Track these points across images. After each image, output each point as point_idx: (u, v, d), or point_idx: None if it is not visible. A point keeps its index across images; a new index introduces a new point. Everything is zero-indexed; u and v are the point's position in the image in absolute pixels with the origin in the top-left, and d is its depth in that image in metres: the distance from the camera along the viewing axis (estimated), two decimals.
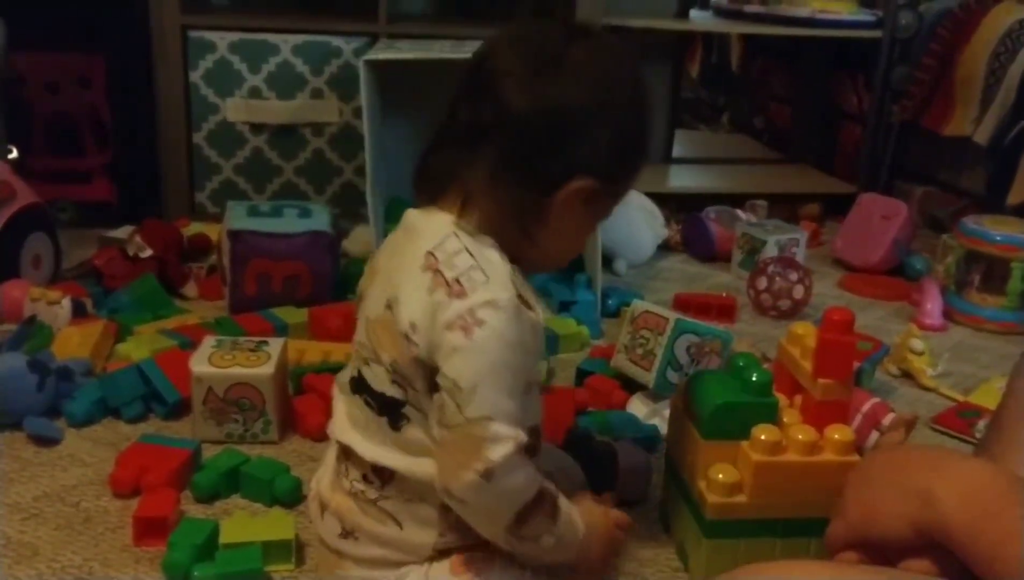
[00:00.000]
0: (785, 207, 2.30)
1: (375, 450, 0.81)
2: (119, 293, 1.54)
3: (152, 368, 1.24)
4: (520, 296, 0.76)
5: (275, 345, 1.22)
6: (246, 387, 1.16)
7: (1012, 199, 2.01)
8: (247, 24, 1.95)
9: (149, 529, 0.97)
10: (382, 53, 1.62)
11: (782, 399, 0.97)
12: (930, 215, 2.35)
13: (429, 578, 0.81)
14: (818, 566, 0.72)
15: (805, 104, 2.84)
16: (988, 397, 1.36)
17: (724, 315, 1.68)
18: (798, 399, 0.98)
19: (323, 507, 0.86)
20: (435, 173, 0.81)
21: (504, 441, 0.72)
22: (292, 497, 1.06)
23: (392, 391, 0.79)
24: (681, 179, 2.51)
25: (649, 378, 1.28)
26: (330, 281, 1.58)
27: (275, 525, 0.98)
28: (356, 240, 1.82)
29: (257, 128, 1.96)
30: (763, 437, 0.90)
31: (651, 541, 1.04)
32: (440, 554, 0.82)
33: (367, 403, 0.81)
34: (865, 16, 2.41)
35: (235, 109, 1.93)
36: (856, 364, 1.27)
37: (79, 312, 1.44)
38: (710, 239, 2.04)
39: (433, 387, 0.75)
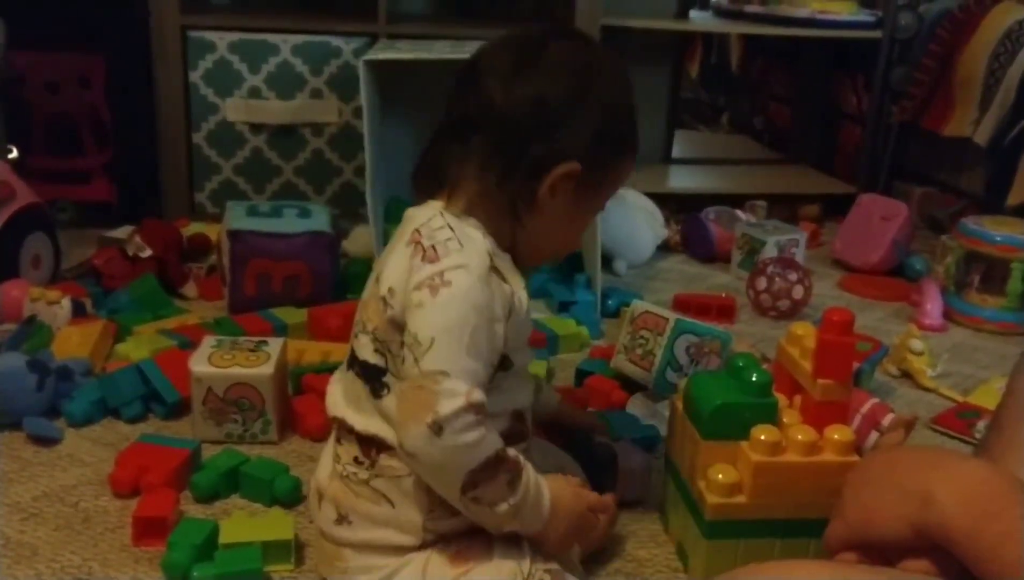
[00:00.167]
0: (785, 207, 2.30)
1: (365, 420, 0.84)
2: (119, 293, 1.54)
3: (151, 368, 1.24)
4: (495, 268, 0.81)
5: (274, 345, 1.22)
6: (245, 387, 1.16)
7: (1012, 200, 2.01)
8: (247, 24, 1.95)
9: (148, 529, 0.97)
10: (382, 53, 1.62)
11: (782, 399, 0.97)
12: (930, 216, 2.35)
13: (428, 568, 0.82)
14: (817, 566, 0.72)
15: (805, 104, 2.84)
16: (988, 398, 1.36)
17: (724, 315, 1.68)
18: (797, 399, 0.98)
19: (320, 496, 0.88)
20: (431, 169, 0.86)
21: (455, 396, 0.75)
22: (292, 497, 1.06)
23: (375, 359, 0.83)
24: (681, 179, 2.51)
25: (649, 378, 1.28)
26: (330, 281, 1.58)
27: (274, 525, 0.98)
28: (356, 240, 1.82)
29: (257, 128, 1.95)
30: (763, 437, 0.90)
31: (651, 541, 1.04)
32: (437, 540, 0.83)
33: (357, 375, 0.85)
34: (865, 16, 2.42)
35: (235, 109, 1.93)
36: (855, 365, 1.28)
37: (79, 312, 1.44)
38: (710, 239, 2.05)
39: (403, 345, 0.79)
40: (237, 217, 1.55)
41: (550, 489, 0.84)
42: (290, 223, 1.56)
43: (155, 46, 1.90)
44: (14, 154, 1.79)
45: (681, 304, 1.67)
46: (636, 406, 1.29)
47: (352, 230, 1.86)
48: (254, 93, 1.93)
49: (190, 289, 1.66)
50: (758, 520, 0.92)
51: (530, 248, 0.86)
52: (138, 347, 1.35)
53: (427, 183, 0.86)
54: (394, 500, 0.83)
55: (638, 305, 1.34)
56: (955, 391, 1.45)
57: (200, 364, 1.16)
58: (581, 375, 1.38)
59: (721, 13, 2.85)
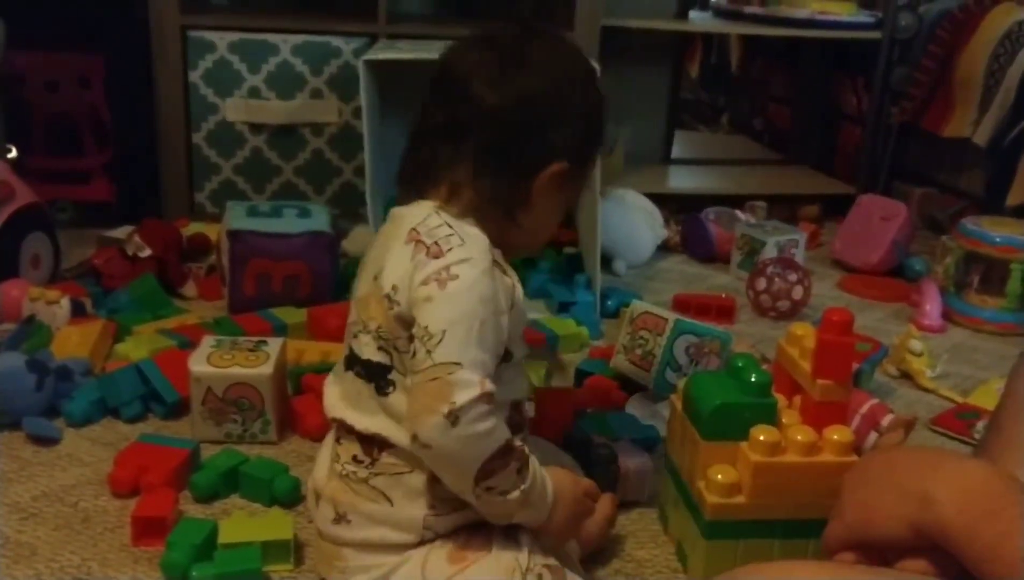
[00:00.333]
0: (784, 208, 2.30)
1: (367, 420, 0.84)
2: (118, 293, 1.54)
3: (151, 368, 1.24)
4: (496, 261, 0.83)
5: (274, 345, 1.22)
6: (245, 387, 1.16)
7: (1011, 200, 2.01)
8: (247, 24, 1.95)
9: (148, 529, 0.97)
10: (381, 53, 1.62)
11: (781, 400, 0.97)
12: (929, 216, 2.35)
13: (427, 564, 0.82)
14: (816, 566, 0.72)
15: (805, 105, 2.84)
16: (987, 398, 1.36)
17: (723, 316, 1.68)
18: (797, 400, 0.98)
19: (318, 497, 0.88)
20: (418, 172, 0.86)
21: (470, 386, 0.76)
22: (291, 497, 1.06)
23: (379, 357, 0.83)
24: (680, 180, 2.51)
25: (648, 379, 1.28)
26: (329, 281, 1.58)
27: (274, 525, 0.98)
28: (356, 240, 1.82)
29: (256, 128, 1.95)
30: (762, 438, 0.90)
31: (650, 542, 1.04)
32: (436, 537, 0.84)
33: (358, 374, 0.86)
34: (865, 17, 2.42)
35: (234, 109, 1.93)
36: (855, 365, 1.27)
37: (78, 312, 1.44)
38: (709, 240, 2.05)
39: (411, 340, 0.79)
40: (237, 217, 1.55)
41: (550, 476, 0.85)
42: (290, 223, 1.56)
43: (155, 46, 1.90)
44: (14, 154, 1.79)
45: (681, 304, 1.67)
46: (636, 406, 1.29)
47: (352, 230, 1.86)
48: (254, 93, 1.93)
49: (190, 289, 1.65)
50: (757, 520, 0.92)
51: (519, 242, 0.88)
52: (137, 347, 1.35)
53: (412, 186, 0.87)
54: (393, 498, 0.83)
55: (638, 305, 1.34)
56: (954, 392, 1.45)
57: (199, 364, 1.16)
58: (581, 375, 1.38)
59: (721, 13, 2.85)
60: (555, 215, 0.89)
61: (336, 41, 1.94)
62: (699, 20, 2.76)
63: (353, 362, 0.86)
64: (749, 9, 2.70)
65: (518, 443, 0.81)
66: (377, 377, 0.84)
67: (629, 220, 1.92)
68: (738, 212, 2.12)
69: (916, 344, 1.49)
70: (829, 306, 1.31)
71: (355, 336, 0.86)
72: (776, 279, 1.72)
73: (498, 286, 0.81)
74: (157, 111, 1.94)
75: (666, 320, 1.27)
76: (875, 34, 2.35)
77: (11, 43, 1.68)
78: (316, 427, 1.18)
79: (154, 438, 1.15)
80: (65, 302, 1.42)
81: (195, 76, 1.91)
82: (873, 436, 1.18)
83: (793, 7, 2.49)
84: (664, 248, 2.07)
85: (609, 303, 1.68)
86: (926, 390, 1.46)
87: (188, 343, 1.34)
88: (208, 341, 1.22)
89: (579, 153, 0.86)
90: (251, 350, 1.20)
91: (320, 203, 1.95)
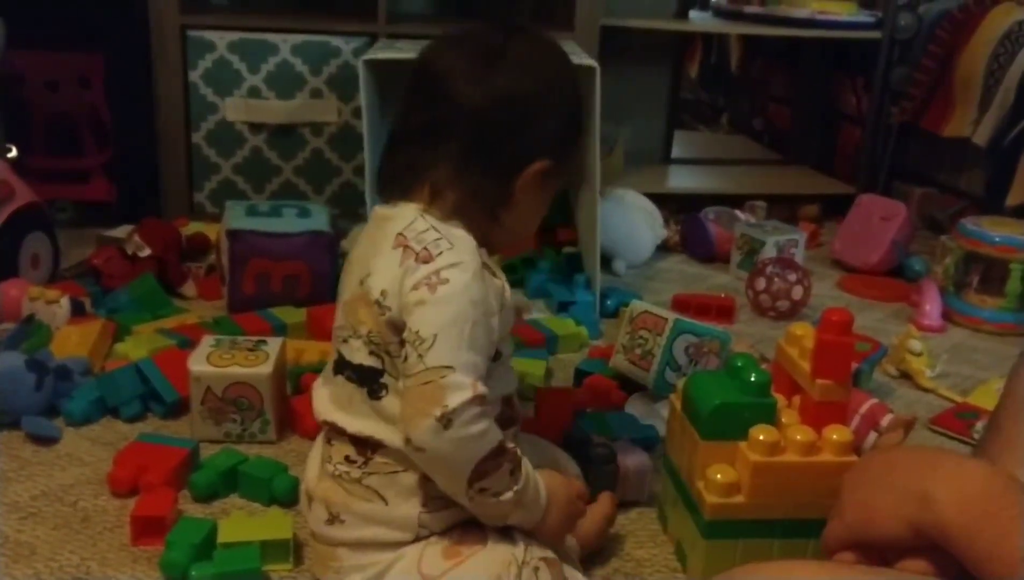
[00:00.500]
0: (784, 208, 2.30)
1: (358, 422, 0.84)
2: (118, 292, 1.54)
3: (150, 367, 1.24)
4: (485, 264, 0.83)
5: (273, 345, 1.22)
6: (244, 387, 1.16)
7: (1011, 200, 2.01)
8: (246, 24, 1.95)
9: (147, 528, 0.97)
10: (381, 53, 1.62)
11: (780, 400, 0.97)
12: (929, 216, 2.35)
13: (423, 560, 0.82)
14: (816, 566, 0.72)
15: (804, 105, 2.84)
16: (986, 398, 1.36)
17: (723, 316, 1.68)
18: (796, 400, 0.98)
19: (310, 498, 0.88)
20: (399, 174, 0.86)
21: (462, 389, 0.76)
22: (290, 497, 1.06)
23: (370, 361, 0.83)
24: (680, 180, 2.51)
25: (648, 378, 1.28)
26: (329, 281, 1.57)
27: (273, 524, 0.98)
28: (355, 240, 1.82)
29: (256, 128, 1.96)
30: (761, 438, 0.90)
31: (649, 541, 1.04)
32: (431, 534, 0.84)
33: (348, 379, 0.85)
34: (864, 17, 2.42)
35: (234, 109, 1.93)
36: (854, 365, 1.27)
37: (77, 311, 1.44)
38: (709, 240, 2.05)
39: (403, 345, 0.79)
40: (236, 217, 1.55)
41: (543, 479, 0.85)
42: (289, 223, 1.56)
43: (155, 46, 1.90)
44: (13, 153, 1.79)
45: (680, 304, 1.67)
46: (635, 406, 1.29)
47: (351, 230, 1.85)
48: (254, 93, 1.93)
49: (189, 289, 1.65)
50: (757, 520, 0.92)
51: (503, 240, 0.88)
52: (137, 346, 1.35)
53: (393, 187, 0.87)
54: (387, 497, 0.83)
55: (637, 305, 1.34)
56: (954, 391, 1.45)
57: (199, 363, 1.16)
58: (580, 375, 1.38)
59: (721, 13, 2.85)
60: (537, 212, 0.90)
61: (336, 41, 1.94)
62: (699, 20, 2.76)
63: (343, 366, 0.86)
64: (749, 9, 2.70)
65: (511, 445, 0.81)
66: (369, 381, 0.84)
67: (629, 220, 1.92)
68: (738, 212, 2.13)
69: (915, 344, 1.49)
70: (828, 306, 1.31)
71: (344, 341, 0.86)
72: (776, 279, 1.72)
73: (488, 288, 0.82)
74: (157, 111, 1.94)
75: (665, 320, 1.27)
76: (875, 34, 2.35)
77: (11, 43, 1.68)
78: (315, 427, 1.16)
79: (153, 438, 1.15)
80: (65, 302, 1.42)
81: (195, 76, 1.91)
82: (873, 436, 1.18)
83: (793, 7, 2.49)
84: (664, 248, 2.07)
85: (609, 303, 1.68)
86: (925, 390, 1.46)
87: (187, 343, 1.34)
88: (207, 341, 1.22)
89: (560, 150, 0.86)
90: (250, 350, 1.20)
91: (320, 203, 1.95)
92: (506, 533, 0.84)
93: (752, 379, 0.92)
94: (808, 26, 2.42)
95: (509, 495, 0.80)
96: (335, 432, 0.86)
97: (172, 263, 1.65)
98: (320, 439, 0.90)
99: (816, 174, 2.64)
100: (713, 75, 3.72)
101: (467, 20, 2.17)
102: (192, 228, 1.83)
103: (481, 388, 0.77)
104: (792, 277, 1.73)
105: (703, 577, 0.93)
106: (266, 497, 1.06)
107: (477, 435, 0.77)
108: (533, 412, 1.18)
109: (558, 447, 1.05)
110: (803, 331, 0.98)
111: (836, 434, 0.91)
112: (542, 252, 1.84)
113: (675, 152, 2.67)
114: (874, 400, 1.23)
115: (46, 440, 1.16)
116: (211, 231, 1.76)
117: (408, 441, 0.78)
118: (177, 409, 1.23)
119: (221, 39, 1.90)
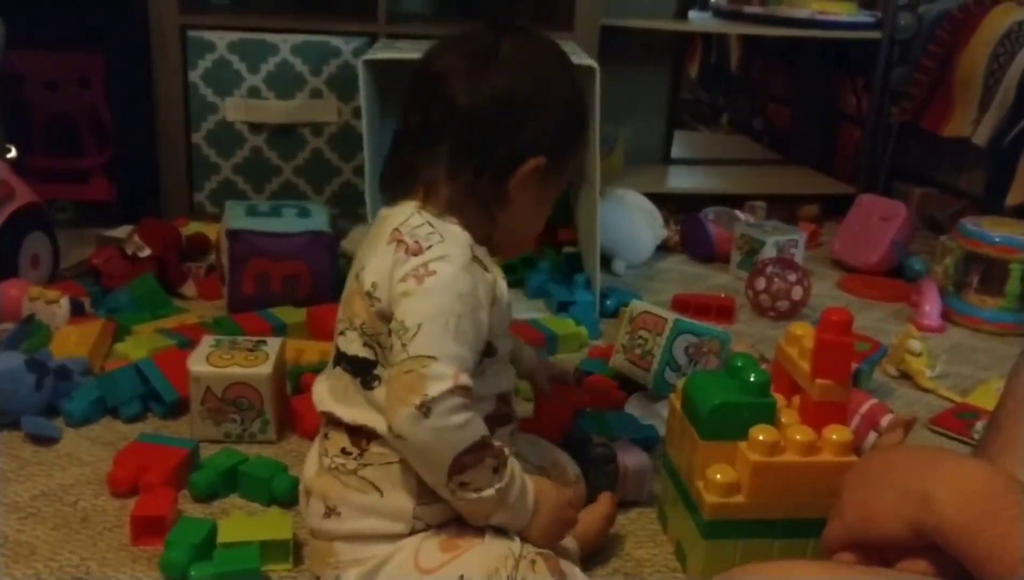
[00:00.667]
0: (784, 208, 2.30)
1: (354, 411, 0.85)
2: (117, 292, 1.54)
3: (150, 367, 1.24)
4: (476, 258, 0.83)
5: (273, 345, 1.22)
6: (244, 387, 1.16)
7: (1011, 200, 2.01)
8: (246, 24, 1.95)
9: (147, 528, 0.97)
10: (381, 53, 1.62)
11: (780, 400, 0.97)
12: (929, 216, 2.35)
13: (420, 553, 0.83)
14: (815, 566, 0.72)
15: (804, 105, 2.84)
16: (986, 398, 1.36)
17: (723, 316, 1.68)
18: (796, 400, 0.98)
19: (308, 494, 0.89)
20: (398, 175, 0.87)
21: (443, 379, 0.77)
22: (290, 497, 1.05)
23: (364, 352, 0.85)
24: (680, 180, 2.51)
25: (648, 378, 1.28)
26: (329, 281, 1.58)
27: (273, 524, 0.98)
28: (355, 240, 1.82)
29: (256, 128, 1.96)
30: (761, 437, 0.90)
31: (649, 541, 1.04)
32: (427, 528, 0.84)
33: (344, 370, 0.87)
34: (864, 17, 2.42)
35: (234, 109, 1.94)
36: (854, 365, 1.27)
37: (77, 311, 1.44)
38: (709, 240, 2.05)
39: (391, 335, 0.80)
40: (236, 217, 1.55)
41: (533, 483, 0.85)
42: (289, 223, 1.56)
43: (155, 46, 1.90)
44: (13, 153, 1.79)
45: (680, 304, 1.67)
46: (635, 406, 1.29)
47: (351, 230, 1.86)
48: (253, 93, 1.93)
49: (189, 289, 1.65)
50: (756, 520, 0.92)
51: (503, 240, 0.89)
52: (137, 346, 1.35)
53: (393, 188, 0.88)
54: (383, 488, 0.84)
55: (637, 305, 1.34)
56: (954, 392, 1.45)
57: (199, 364, 1.16)
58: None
59: (720, 14, 2.85)
60: (537, 211, 0.90)
61: (336, 41, 1.94)
62: (699, 20, 2.76)
63: (340, 358, 0.87)
64: (749, 9, 2.70)
65: (497, 443, 0.82)
66: (363, 372, 0.85)
67: (629, 220, 1.92)
68: (738, 212, 2.13)
69: (915, 344, 1.49)
70: (828, 306, 1.30)
71: (342, 333, 0.88)
72: (775, 279, 1.72)
73: (478, 281, 0.82)
74: (157, 111, 1.94)
75: (665, 320, 1.27)
76: (875, 34, 2.35)
77: (11, 43, 1.68)
78: (315, 427, 1.17)
79: (153, 438, 1.15)
80: (64, 302, 1.42)
81: (195, 76, 1.91)
82: (872, 436, 1.18)
83: (793, 7, 2.49)
84: (664, 248, 2.07)
85: (608, 303, 1.68)
86: (925, 390, 1.46)
87: (187, 343, 1.34)
88: (207, 341, 1.22)
89: (557, 148, 0.86)
90: (250, 350, 1.20)
91: (319, 203, 1.95)
92: (502, 528, 0.84)
93: (752, 379, 0.92)
94: (808, 26, 2.42)
95: (491, 492, 0.80)
96: (332, 424, 0.87)
97: (172, 263, 1.65)
98: (318, 437, 0.90)
99: (816, 174, 2.64)
100: (713, 75, 3.72)
101: (467, 20, 2.18)
102: (192, 228, 1.83)
103: (464, 379, 0.78)
104: (792, 277, 1.73)
105: (703, 577, 0.93)
106: (266, 497, 1.06)
107: (457, 426, 0.77)
108: (533, 412, 1.18)
109: (558, 447, 1.05)
110: (803, 331, 0.98)
111: (836, 434, 0.92)
112: (542, 252, 1.84)
113: (675, 152, 2.67)
114: (874, 400, 1.23)
115: (46, 440, 1.16)
116: (211, 231, 1.76)
117: (390, 428, 0.79)
118: (177, 409, 1.23)
119: (221, 39, 1.90)
